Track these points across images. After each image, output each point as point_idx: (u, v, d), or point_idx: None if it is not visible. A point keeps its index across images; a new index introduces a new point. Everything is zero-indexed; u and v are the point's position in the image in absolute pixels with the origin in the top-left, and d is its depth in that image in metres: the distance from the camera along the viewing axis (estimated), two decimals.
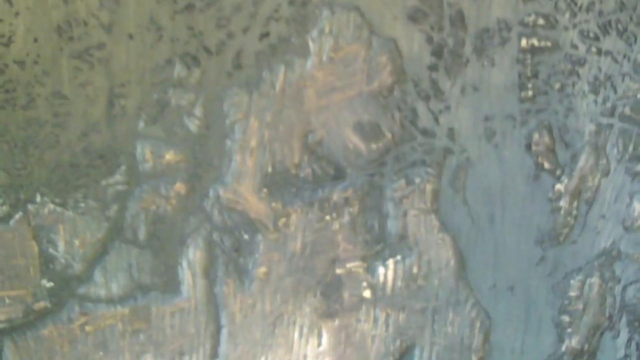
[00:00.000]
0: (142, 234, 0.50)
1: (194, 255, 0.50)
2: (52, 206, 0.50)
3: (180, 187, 0.49)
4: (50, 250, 0.50)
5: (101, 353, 0.51)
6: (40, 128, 0.49)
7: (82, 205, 0.49)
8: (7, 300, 0.50)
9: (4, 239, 0.50)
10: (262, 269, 0.50)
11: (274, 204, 0.50)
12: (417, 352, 0.51)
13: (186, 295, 0.50)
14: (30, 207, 0.49)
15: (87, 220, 0.49)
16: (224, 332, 0.50)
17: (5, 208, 0.50)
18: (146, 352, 0.51)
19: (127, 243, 0.50)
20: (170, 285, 0.50)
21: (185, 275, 0.50)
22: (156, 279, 0.50)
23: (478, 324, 0.51)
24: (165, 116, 0.50)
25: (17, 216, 0.49)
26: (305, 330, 0.51)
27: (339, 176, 0.49)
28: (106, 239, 0.50)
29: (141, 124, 0.50)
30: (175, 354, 0.51)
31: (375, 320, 0.50)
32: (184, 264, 0.50)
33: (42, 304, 0.50)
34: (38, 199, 0.49)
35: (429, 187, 0.49)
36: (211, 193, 0.49)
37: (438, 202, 0.49)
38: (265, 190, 0.49)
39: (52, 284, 0.50)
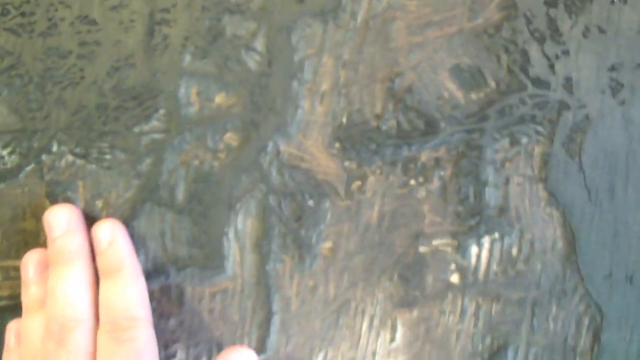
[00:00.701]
0: (180, 195, 0.41)
1: (243, 223, 0.41)
2: (71, 157, 0.43)
3: (231, 137, 0.40)
4: None
5: None
6: (62, 60, 0.42)
7: (108, 157, 0.41)
8: (11, 272, 0.44)
9: (11, 197, 0.41)
10: (328, 244, 0.41)
11: (347, 163, 0.41)
12: (510, 352, 0.42)
13: (231, 273, 0.43)
14: (44, 157, 0.43)
15: (113, 176, 0.41)
16: (276, 320, 0.43)
17: (14, 158, 0.41)
18: (176, 341, 0.42)
19: (162, 205, 0.41)
20: (212, 259, 0.41)
21: (232, 248, 0.41)
22: (195, 251, 0.41)
23: (587, 321, 0.42)
24: (217, 49, 0.41)
25: (28, 169, 0.43)
26: (376, 322, 0.42)
27: (429, 131, 0.40)
28: (136, 199, 0.42)
29: (187, 58, 0.41)
30: (212, 345, 0.42)
31: (463, 312, 0.41)
32: (231, 234, 0.41)
33: None
34: (55, 148, 0.43)
35: (537, 150, 0.40)
36: (270, 146, 0.41)
37: (548, 168, 0.41)
38: (337, 145, 0.40)
39: None
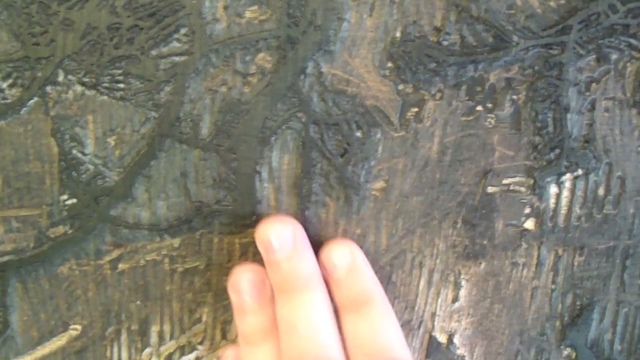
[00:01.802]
0: (205, 129, 0.35)
1: (279, 160, 0.35)
2: (79, 88, 0.37)
3: (264, 58, 0.35)
4: (75, 151, 0.37)
5: (138, 302, 0.36)
6: None
7: (122, 86, 0.36)
8: (14, 223, 0.38)
9: (13, 135, 0.37)
10: (380, 184, 0.35)
11: (401, 86, 0.35)
12: (596, 313, 0.36)
13: None
14: (49, 89, 0.37)
15: (127, 108, 0.36)
16: None
17: (15, 91, 0.37)
18: (202, 302, 0.36)
19: (184, 142, 0.36)
20: (243, 204, 0.35)
21: (266, 190, 0.36)
22: (222, 195, 0.36)
23: None
24: None
25: (31, 102, 0.37)
26: (436, 277, 0.36)
27: (499, 47, 0.34)
28: (153, 135, 0.38)
29: None
30: None
31: (540, 265, 0.35)
32: (265, 173, 0.35)
33: (60, 229, 0.38)
34: (61, 77, 0.37)
35: (631, 68, 0.34)
36: (310, 68, 0.35)
37: None
38: (390, 64, 0.35)
39: (74, 200, 0.38)
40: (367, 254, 0.36)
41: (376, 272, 0.36)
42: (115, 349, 0.38)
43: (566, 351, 0.37)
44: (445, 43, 0.35)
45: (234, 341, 0.38)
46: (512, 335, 0.37)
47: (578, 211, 0.35)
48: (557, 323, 0.37)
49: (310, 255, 0.34)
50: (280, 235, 0.33)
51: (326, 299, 0.33)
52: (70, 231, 0.38)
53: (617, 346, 0.36)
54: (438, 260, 0.36)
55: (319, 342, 0.32)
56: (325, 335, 0.32)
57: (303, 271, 0.33)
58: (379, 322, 0.33)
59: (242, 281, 0.34)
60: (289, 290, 0.33)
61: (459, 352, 0.37)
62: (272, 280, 0.34)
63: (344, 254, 0.34)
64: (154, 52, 0.36)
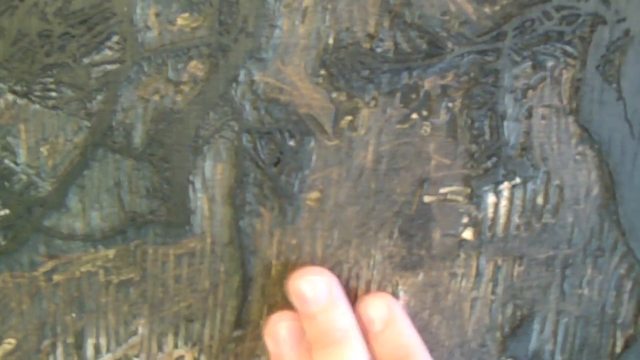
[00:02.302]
0: (137, 138, 0.35)
1: (212, 169, 0.35)
2: (11, 96, 0.36)
3: (196, 66, 0.34)
4: (7, 161, 0.36)
5: (74, 314, 0.36)
6: None
7: (54, 94, 0.36)
8: None
9: None
10: (314, 193, 0.35)
11: (335, 94, 0.34)
12: (536, 324, 0.35)
13: (199, 230, 0.37)
14: None
15: (60, 118, 0.36)
16: (254, 287, 0.38)
17: None
18: (138, 314, 0.36)
19: (116, 151, 0.36)
20: (176, 215, 0.35)
21: (199, 200, 0.35)
22: (156, 205, 0.35)
23: (629, 285, 0.35)
24: None
25: None
26: (373, 288, 0.36)
27: (433, 53, 0.34)
28: (86, 144, 0.37)
29: None
30: (180, 319, 0.35)
31: (479, 276, 0.35)
32: (198, 183, 0.35)
33: None
34: None
35: (566, 75, 0.34)
36: (242, 76, 0.34)
37: (579, 97, 0.34)
38: (323, 72, 0.34)
39: (7, 211, 0.37)
40: (302, 265, 0.36)
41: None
42: None
43: None
44: (378, 50, 0.34)
45: (170, 354, 0.37)
46: (452, 347, 0.36)
47: (517, 220, 0.35)
48: (498, 334, 0.36)
49: (347, 308, 0.33)
50: (315, 287, 0.33)
51: (364, 352, 0.32)
52: (3, 242, 0.37)
53: (558, 357, 0.36)
54: (375, 271, 0.36)
55: None
56: None
57: (339, 324, 0.33)
58: None
59: (280, 330, 0.33)
60: (326, 344, 0.32)
61: None
62: (307, 333, 0.33)
63: (381, 307, 0.33)
64: (85, 60, 0.35)
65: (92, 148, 0.36)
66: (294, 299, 0.34)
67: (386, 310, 0.33)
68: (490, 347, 0.36)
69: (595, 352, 0.36)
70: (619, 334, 0.36)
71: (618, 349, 0.36)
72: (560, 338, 0.36)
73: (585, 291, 0.36)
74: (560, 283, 0.35)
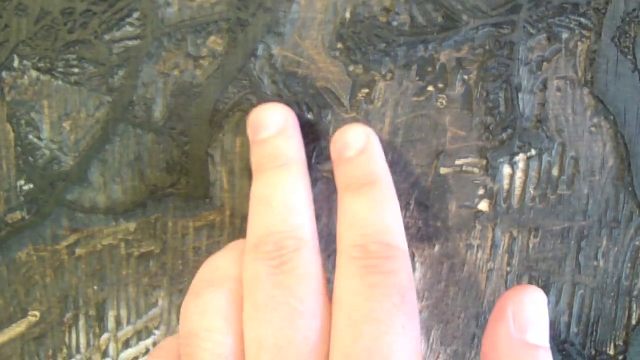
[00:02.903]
0: (158, 112, 0.35)
1: (231, 143, 0.35)
2: (34, 73, 0.38)
3: (215, 41, 0.34)
4: (31, 136, 0.37)
5: (95, 287, 0.36)
6: None
7: (76, 70, 0.36)
8: None
9: None
10: (331, 165, 0.34)
11: (352, 67, 0.34)
12: (552, 295, 0.35)
13: (218, 203, 0.38)
14: (4, 74, 0.37)
15: (82, 93, 0.36)
16: None
17: None
18: (158, 286, 0.36)
19: (137, 126, 0.36)
20: (196, 187, 0.35)
21: (218, 173, 0.35)
22: (176, 178, 0.35)
23: None
24: None
25: None
26: None
27: (449, 26, 0.34)
28: (107, 119, 0.37)
29: None
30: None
31: (495, 247, 0.35)
32: (217, 156, 0.35)
33: (17, 215, 0.38)
34: (16, 63, 0.38)
35: (581, 47, 0.34)
36: (260, 50, 0.35)
37: (594, 69, 0.34)
38: (340, 45, 0.34)
39: (31, 185, 0.38)
40: (319, 236, 0.36)
41: (329, 255, 0.36)
42: (74, 335, 0.38)
43: None
44: (394, 23, 0.34)
45: None
46: (468, 319, 0.36)
47: (532, 192, 0.35)
48: None
49: (298, 141, 0.32)
50: (268, 115, 0.32)
51: (306, 182, 0.31)
52: (27, 216, 0.38)
53: (574, 328, 0.36)
54: None
55: (292, 221, 0.30)
56: (300, 215, 0.30)
57: (286, 151, 0.32)
58: (379, 203, 0.30)
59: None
60: (268, 168, 0.31)
61: None
62: (253, 162, 0.33)
63: (359, 135, 0.32)
64: (107, 37, 0.36)
65: (113, 123, 0.37)
66: (249, 128, 0.33)
67: (364, 138, 0.32)
68: None
69: (611, 324, 0.36)
70: (634, 305, 0.36)
71: (634, 321, 0.36)
72: (575, 310, 0.36)
73: (601, 263, 0.36)
74: (576, 255, 0.36)
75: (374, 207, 0.30)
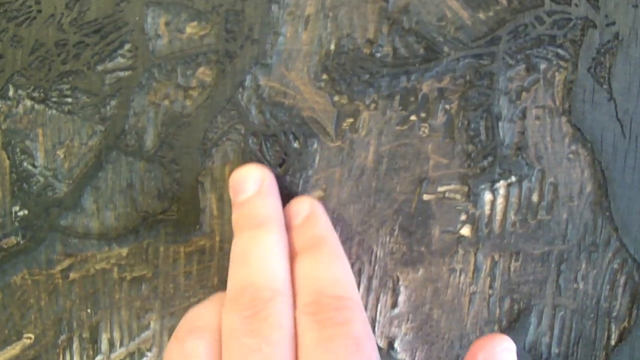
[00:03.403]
0: (149, 141, 0.36)
1: (221, 171, 0.36)
2: (29, 102, 0.39)
3: (204, 72, 0.35)
4: (26, 164, 0.39)
5: (89, 310, 0.37)
6: None
7: (70, 100, 0.37)
8: None
9: None
10: (317, 193, 0.36)
11: (337, 97, 0.35)
12: (533, 317, 0.36)
13: (208, 229, 0.38)
14: (0, 104, 0.38)
15: (75, 122, 0.37)
16: None
17: None
18: (150, 309, 0.37)
19: (129, 154, 0.36)
20: (186, 214, 0.36)
21: (208, 200, 0.36)
22: (167, 205, 0.36)
23: (623, 280, 0.36)
24: None
25: None
26: (375, 283, 0.36)
27: (430, 58, 0.35)
28: (100, 147, 0.38)
29: None
30: None
31: (477, 271, 0.36)
32: (207, 183, 0.36)
33: (12, 240, 0.39)
34: (11, 92, 0.39)
35: (559, 77, 0.35)
36: (248, 81, 0.35)
37: (572, 98, 0.35)
38: (325, 76, 0.35)
39: (26, 211, 0.39)
40: None
41: None
42: (68, 357, 0.39)
43: None
44: (378, 55, 0.35)
45: None
46: (452, 340, 0.37)
47: (513, 217, 0.36)
48: (496, 327, 0.37)
49: (275, 200, 0.34)
50: (247, 178, 0.35)
51: (283, 239, 0.33)
52: (22, 242, 0.39)
53: (555, 349, 0.37)
54: (376, 267, 0.37)
55: (266, 272, 0.32)
56: (275, 268, 0.32)
57: (263, 211, 0.34)
58: (328, 260, 0.33)
59: None
60: (247, 227, 0.33)
61: (400, 357, 0.37)
62: (233, 222, 0.35)
63: (304, 205, 0.35)
64: (99, 68, 0.37)
65: (106, 151, 0.38)
66: (230, 190, 0.35)
67: (308, 207, 0.35)
68: None
69: (591, 345, 0.37)
70: (613, 326, 0.37)
71: (613, 342, 0.37)
72: (556, 331, 0.37)
73: (580, 285, 0.37)
74: (556, 278, 0.37)
75: (323, 264, 0.32)
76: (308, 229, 0.34)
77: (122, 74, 0.37)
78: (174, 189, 0.37)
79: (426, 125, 0.36)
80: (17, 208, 0.38)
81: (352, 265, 0.37)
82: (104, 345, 0.39)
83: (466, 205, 0.36)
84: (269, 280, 0.31)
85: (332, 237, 0.34)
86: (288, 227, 0.34)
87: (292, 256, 0.34)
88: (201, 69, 0.36)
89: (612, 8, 0.35)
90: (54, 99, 0.37)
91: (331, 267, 0.32)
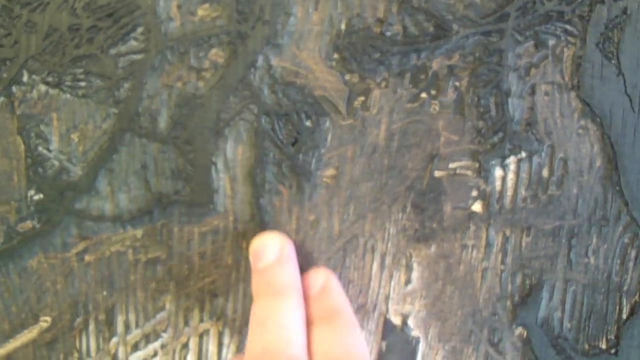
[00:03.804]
0: (162, 123, 0.37)
1: (234, 150, 0.37)
2: (43, 87, 0.39)
3: (217, 53, 0.36)
4: (41, 148, 0.39)
5: (104, 292, 0.37)
6: None
7: (83, 84, 0.37)
8: None
9: None
10: (330, 171, 0.36)
11: (348, 76, 0.36)
12: (545, 292, 0.36)
13: (222, 209, 0.39)
14: (15, 89, 0.39)
15: (89, 106, 0.37)
16: None
17: None
18: (165, 291, 0.37)
19: (142, 136, 0.37)
20: (200, 194, 0.37)
21: (221, 180, 0.37)
22: (180, 185, 0.36)
23: (633, 254, 0.37)
24: None
25: None
26: (388, 260, 0.37)
27: (440, 35, 0.35)
28: (114, 130, 0.38)
29: None
30: (204, 294, 0.37)
31: (488, 247, 0.36)
32: (220, 163, 0.36)
33: (28, 224, 0.39)
34: (25, 77, 0.39)
35: (567, 53, 0.35)
36: (260, 61, 0.36)
37: (580, 74, 0.35)
38: (336, 56, 0.36)
39: (41, 195, 0.39)
40: (320, 239, 0.37)
41: (330, 257, 0.37)
42: (84, 339, 0.39)
43: (518, 330, 0.37)
44: (388, 33, 0.36)
45: (196, 328, 0.39)
46: (464, 316, 0.37)
47: (523, 193, 0.36)
48: (508, 303, 0.37)
49: (293, 268, 0.36)
50: (267, 246, 0.36)
51: (300, 306, 0.35)
52: (37, 225, 0.39)
53: (567, 324, 0.37)
54: (389, 244, 0.37)
55: (284, 339, 0.33)
56: (292, 334, 0.33)
57: (282, 279, 0.35)
58: (342, 333, 0.34)
59: None
60: (266, 294, 0.35)
61: (413, 333, 0.38)
62: (253, 287, 0.36)
63: (320, 276, 0.36)
64: (112, 51, 0.37)
65: (120, 133, 0.38)
66: (250, 257, 0.37)
67: (324, 278, 0.36)
68: (501, 315, 0.38)
69: (602, 319, 0.37)
70: (624, 300, 0.37)
71: (624, 316, 0.37)
72: (568, 306, 0.37)
73: (591, 260, 0.37)
74: (567, 252, 0.37)
75: (337, 335, 0.34)
76: (324, 299, 0.35)
77: (135, 57, 0.37)
78: (188, 169, 0.38)
79: (436, 102, 0.36)
80: (32, 192, 0.39)
81: (366, 243, 0.37)
82: (120, 327, 0.39)
83: (477, 181, 0.37)
84: (286, 346, 0.33)
85: (346, 308, 0.36)
86: (305, 296, 0.36)
87: (308, 324, 0.35)
88: (213, 51, 0.37)
89: None
90: (68, 83, 0.38)
91: (345, 339, 0.34)
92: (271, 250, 0.36)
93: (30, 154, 0.38)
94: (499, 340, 0.37)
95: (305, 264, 0.37)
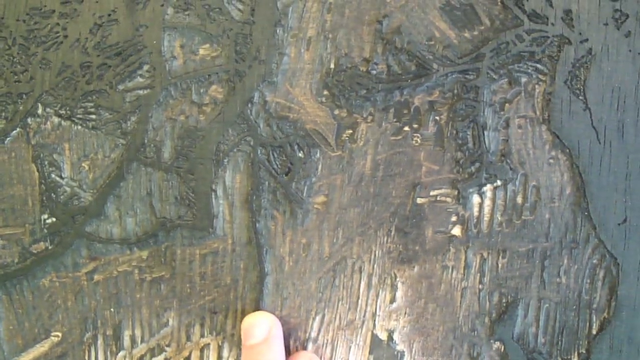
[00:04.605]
0: (166, 153, 0.39)
1: (232, 179, 0.39)
2: (56, 119, 0.43)
3: (216, 90, 0.39)
4: (54, 175, 0.42)
5: (112, 309, 0.40)
6: (45, 20, 0.43)
7: (94, 116, 0.40)
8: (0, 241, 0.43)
9: None
10: (320, 198, 0.39)
11: (337, 111, 0.39)
12: (520, 310, 0.39)
13: (221, 232, 0.42)
14: (30, 121, 0.42)
15: (99, 137, 0.40)
16: (269, 281, 0.41)
17: None
18: (169, 308, 0.40)
19: (148, 165, 0.40)
20: (201, 219, 0.39)
21: (221, 205, 0.39)
22: (183, 211, 0.39)
23: (602, 274, 0.39)
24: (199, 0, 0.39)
25: (14, 133, 0.42)
26: (374, 280, 0.39)
27: (421, 74, 0.38)
28: (122, 159, 0.41)
29: (169, 11, 0.40)
30: (205, 311, 0.40)
31: (467, 267, 0.39)
32: (219, 191, 0.39)
33: (41, 245, 0.42)
34: (40, 110, 0.43)
35: (538, 89, 0.38)
36: (256, 97, 0.39)
37: (551, 108, 0.38)
38: (326, 92, 0.39)
39: (54, 219, 0.42)
40: (312, 261, 0.40)
41: (321, 277, 0.40)
42: (93, 353, 0.42)
43: (495, 345, 0.40)
44: (373, 72, 0.39)
45: (197, 343, 0.42)
46: (446, 332, 0.40)
47: (499, 218, 0.39)
48: (486, 319, 0.40)
49: (279, 347, 0.40)
50: (256, 325, 0.40)
51: None
52: (50, 247, 0.42)
53: (541, 339, 0.40)
54: (376, 265, 0.40)
55: None
56: None
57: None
58: None
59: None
60: None
61: (398, 348, 0.40)
62: None
63: (305, 357, 0.40)
64: (120, 87, 0.40)
65: (127, 162, 0.41)
66: (242, 333, 0.40)
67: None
68: (480, 331, 0.40)
69: (574, 334, 0.40)
70: (594, 317, 0.40)
71: (594, 331, 0.40)
72: (542, 322, 0.40)
73: (563, 280, 0.40)
74: (540, 273, 0.40)
75: None
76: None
77: (141, 92, 0.40)
78: (190, 196, 0.41)
79: (418, 135, 0.39)
80: (45, 216, 0.42)
81: (354, 264, 0.40)
82: (126, 342, 0.42)
83: (456, 207, 0.40)
84: None
85: None
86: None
87: None
88: (213, 87, 0.40)
89: (585, 26, 0.39)
90: (79, 116, 0.41)
91: None
92: (260, 330, 0.39)
93: (44, 180, 0.41)
94: (478, 355, 0.40)
95: (298, 283, 0.40)
